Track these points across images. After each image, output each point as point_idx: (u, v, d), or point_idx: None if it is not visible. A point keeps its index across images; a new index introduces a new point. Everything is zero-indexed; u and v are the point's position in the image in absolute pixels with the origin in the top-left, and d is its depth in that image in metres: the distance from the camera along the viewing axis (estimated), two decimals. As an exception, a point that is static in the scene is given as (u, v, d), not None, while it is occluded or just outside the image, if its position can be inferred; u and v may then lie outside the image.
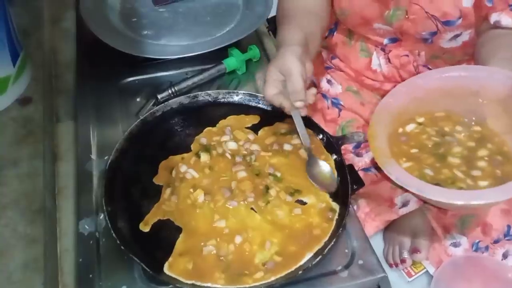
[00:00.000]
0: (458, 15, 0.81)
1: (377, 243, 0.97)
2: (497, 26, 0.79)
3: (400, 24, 0.86)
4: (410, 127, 0.77)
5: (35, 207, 0.72)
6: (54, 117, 0.92)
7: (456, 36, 0.86)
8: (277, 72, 0.73)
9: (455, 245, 0.90)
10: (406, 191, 0.86)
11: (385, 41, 0.91)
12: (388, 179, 0.90)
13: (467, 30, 0.85)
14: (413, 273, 0.93)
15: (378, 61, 0.94)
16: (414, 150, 0.74)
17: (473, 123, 0.77)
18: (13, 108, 0.85)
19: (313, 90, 0.76)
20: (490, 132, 0.75)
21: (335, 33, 0.98)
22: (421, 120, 0.78)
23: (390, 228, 0.96)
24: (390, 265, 0.93)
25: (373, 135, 0.73)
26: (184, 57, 0.96)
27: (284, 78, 0.72)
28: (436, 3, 0.81)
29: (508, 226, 0.89)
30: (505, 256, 0.90)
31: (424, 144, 0.75)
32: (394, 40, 0.90)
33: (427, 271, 0.93)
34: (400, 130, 0.77)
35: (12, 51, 0.84)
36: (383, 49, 0.93)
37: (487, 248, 0.90)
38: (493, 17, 0.78)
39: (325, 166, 0.77)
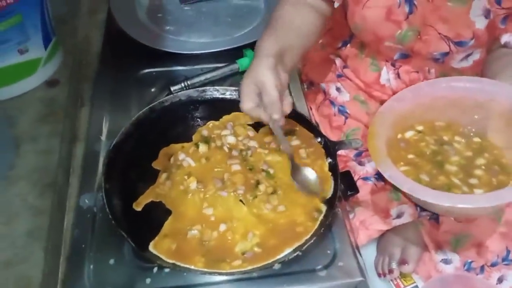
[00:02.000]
0: (470, 36, 0.82)
1: (371, 252, 0.98)
2: (507, 46, 0.79)
3: (412, 45, 0.86)
4: (409, 134, 0.78)
5: (46, 181, 0.77)
6: (78, 101, 0.98)
7: (468, 55, 0.86)
8: (251, 85, 0.73)
9: (446, 262, 0.89)
10: (402, 193, 0.88)
11: (396, 56, 0.91)
12: (386, 189, 0.92)
13: (478, 49, 0.85)
14: (402, 286, 0.93)
15: (387, 76, 0.95)
16: (411, 156, 0.75)
17: (471, 134, 0.77)
18: (41, 89, 0.92)
19: (289, 99, 0.76)
20: (489, 144, 0.76)
21: (348, 45, 1.00)
22: (420, 128, 0.79)
23: (383, 238, 0.96)
24: (379, 275, 0.93)
25: (373, 134, 0.74)
26: (201, 53, 1.01)
27: (259, 91, 0.73)
28: (450, 25, 0.81)
29: (508, 250, 0.88)
30: (500, 280, 0.88)
31: (423, 151, 0.76)
32: (404, 56, 0.91)
33: (417, 285, 0.93)
34: (399, 136, 0.78)
35: (45, 36, 0.91)
36: (393, 64, 0.94)
37: (482, 269, 0.88)
38: (504, 38, 0.79)
39: (311, 173, 0.77)
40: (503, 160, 0.73)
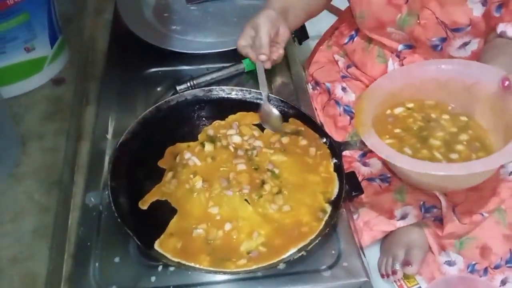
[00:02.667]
0: (467, 23, 0.83)
1: (375, 253, 0.98)
2: (502, 36, 0.81)
3: (411, 29, 0.89)
4: (398, 110, 0.80)
5: (52, 179, 0.77)
6: (84, 100, 0.98)
7: (465, 44, 0.87)
8: (250, 29, 0.85)
9: (450, 263, 0.89)
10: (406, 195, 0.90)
11: (400, 47, 0.94)
12: (390, 190, 0.92)
13: (476, 38, 0.86)
14: (405, 287, 0.93)
15: (393, 67, 0.96)
16: (398, 131, 0.77)
17: (459, 113, 0.79)
18: (47, 87, 0.93)
19: (281, 51, 0.86)
20: (475, 123, 0.77)
21: (355, 39, 1.01)
22: (410, 105, 0.81)
23: (387, 240, 0.96)
24: (382, 276, 0.93)
25: (360, 109, 0.76)
26: (207, 53, 1.02)
27: (254, 34, 0.83)
28: (447, 9, 0.83)
29: (511, 252, 0.88)
30: (503, 282, 0.88)
31: (409, 126, 0.78)
32: (408, 47, 0.93)
33: (420, 287, 0.93)
34: (388, 111, 0.79)
35: (52, 34, 0.91)
36: (398, 56, 0.95)
37: (485, 271, 0.88)
38: (500, 27, 0.81)
39: (275, 111, 0.85)
40: (486, 140, 0.75)
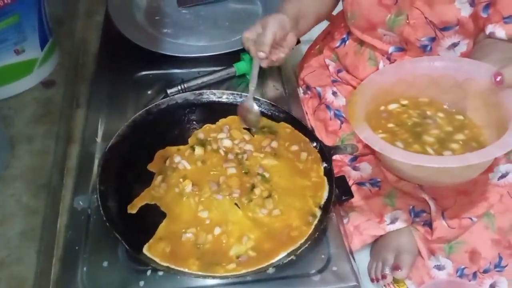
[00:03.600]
0: (455, 23, 0.84)
1: (365, 258, 0.98)
2: (491, 37, 0.81)
3: (401, 30, 0.89)
4: (392, 106, 0.79)
5: (41, 182, 0.77)
6: (74, 102, 0.98)
7: (454, 45, 0.88)
8: (259, 25, 0.87)
9: (439, 268, 0.90)
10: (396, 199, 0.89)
11: (391, 49, 0.94)
12: (380, 195, 0.92)
13: (465, 40, 0.87)
14: (395, 291, 0.93)
15: None
16: (391, 125, 0.76)
17: (454, 110, 0.78)
18: (37, 89, 0.92)
19: (282, 55, 0.87)
20: (470, 122, 0.76)
21: (347, 42, 1.02)
22: (405, 102, 0.80)
23: (377, 244, 0.96)
24: (372, 280, 0.93)
25: (353, 102, 0.75)
26: (198, 57, 1.02)
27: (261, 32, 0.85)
28: (435, 9, 0.84)
29: (500, 257, 0.88)
30: (492, 287, 0.88)
31: (404, 121, 0.77)
32: (399, 49, 0.93)
33: (409, 291, 0.94)
34: (382, 107, 0.79)
35: (42, 36, 0.91)
36: (388, 58, 0.96)
37: (475, 276, 0.89)
38: (489, 28, 0.81)
39: (256, 108, 0.87)
40: (481, 138, 0.74)
